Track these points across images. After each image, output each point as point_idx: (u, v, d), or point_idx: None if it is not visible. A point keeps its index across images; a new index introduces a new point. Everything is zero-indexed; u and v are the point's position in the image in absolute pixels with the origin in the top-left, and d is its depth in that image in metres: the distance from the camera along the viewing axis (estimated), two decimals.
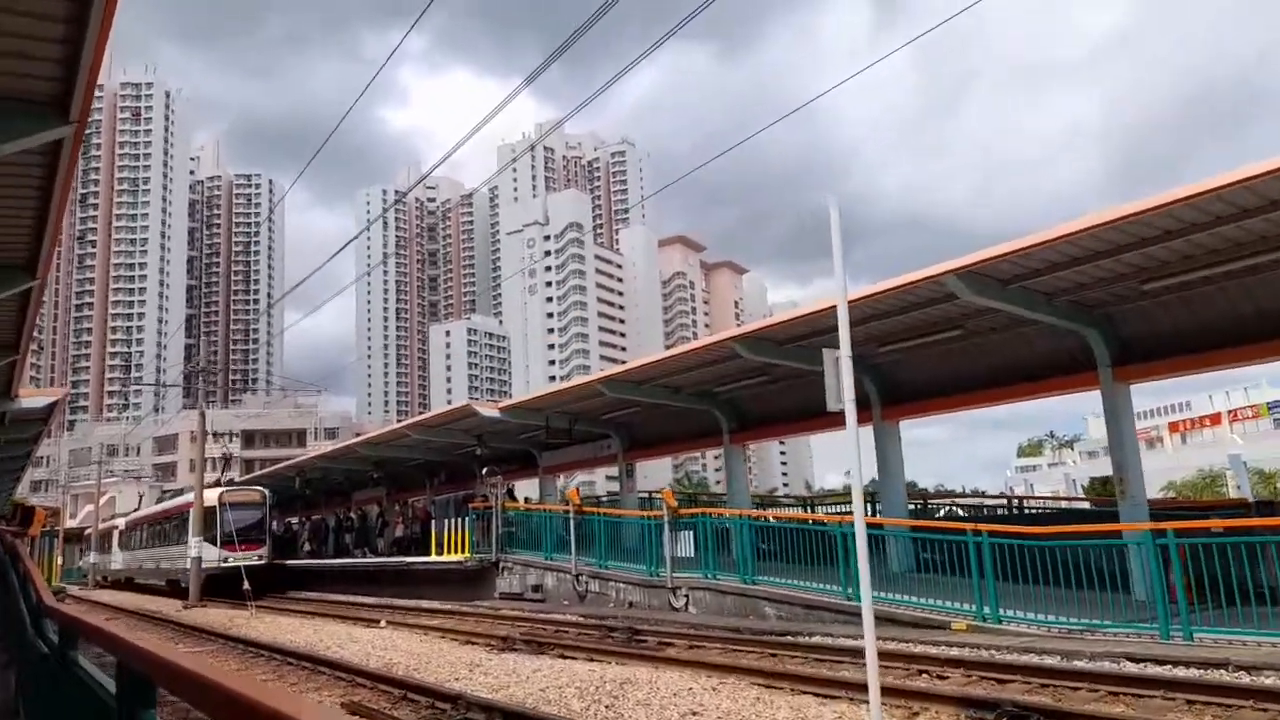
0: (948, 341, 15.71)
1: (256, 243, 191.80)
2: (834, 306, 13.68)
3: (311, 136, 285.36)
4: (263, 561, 29.50)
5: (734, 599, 15.31)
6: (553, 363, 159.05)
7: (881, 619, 12.41)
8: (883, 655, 10.44)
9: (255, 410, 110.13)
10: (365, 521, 34.03)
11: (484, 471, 22.94)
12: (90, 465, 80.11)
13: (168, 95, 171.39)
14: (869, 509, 19.54)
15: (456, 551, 22.76)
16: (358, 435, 50.14)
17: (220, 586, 27.37)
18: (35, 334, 14.06)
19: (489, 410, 23.34)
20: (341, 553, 32.28)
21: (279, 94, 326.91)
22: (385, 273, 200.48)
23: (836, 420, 18.33)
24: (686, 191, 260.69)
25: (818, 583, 14.11)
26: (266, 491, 31.56)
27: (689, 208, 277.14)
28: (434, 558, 23.39)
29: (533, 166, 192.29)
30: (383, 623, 18.79)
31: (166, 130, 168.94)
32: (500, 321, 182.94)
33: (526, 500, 27.63)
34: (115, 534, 45.07)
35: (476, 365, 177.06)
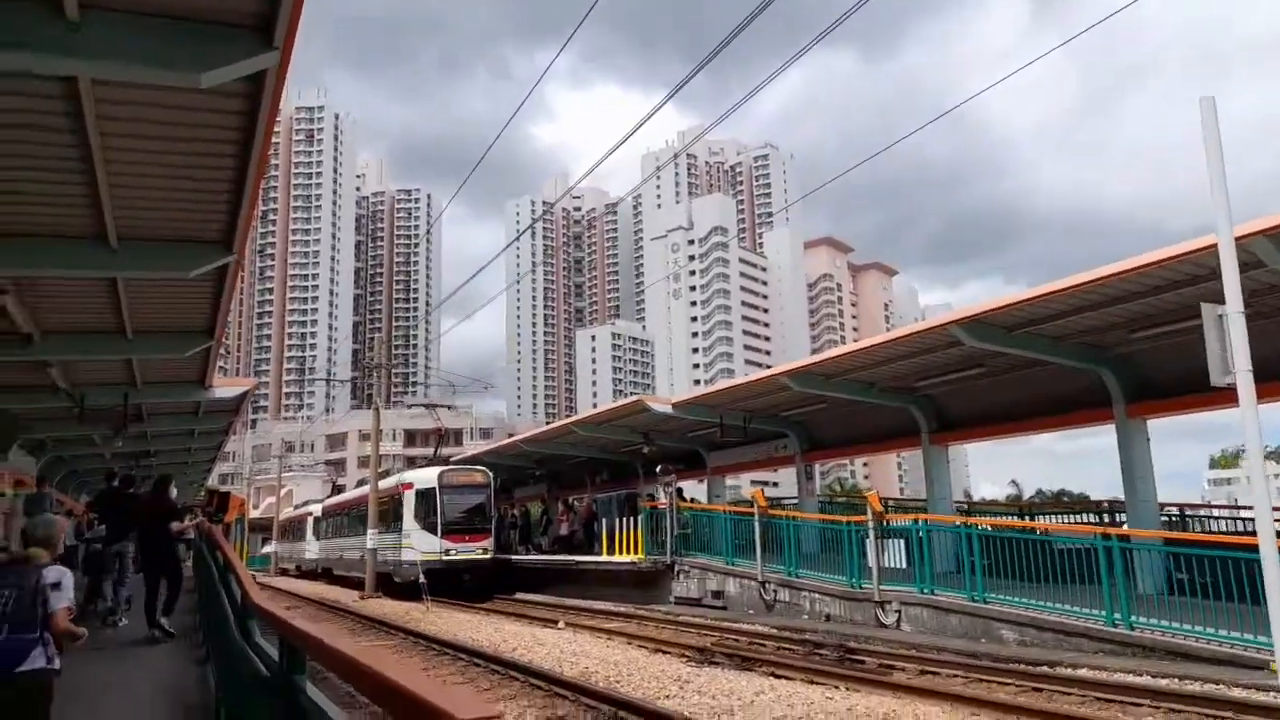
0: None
1: (416, 253, 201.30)
2: (1098, 279, 11.81)
3: (464, 152, 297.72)
4: (488, 556, 25.08)
5: (960, 618, 13.39)
6: (697, 366, 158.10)
7: (1170, 653, 10.29)
8: (1191, 699, 8.43)
9: (417, 410, 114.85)
10: (528, 519, 33.73)
11: (657, 469, 21.81)
12: (271, 459, 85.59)
13: (337, 118, 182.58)
14: (1109, 520, 17.08)
15: (629, 552, 21.72)
16: (510, 435, 50.60)
17: (440, 584, 23.46)
18: (223, 336, 14.02)
19: (661, 405, 22.23)
20: (504, 549, 31.77)
21: (434, 114, 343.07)
22: (534, 280, 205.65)
23: (1057, 420, 16.05)
24: (831, 194, 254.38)
25: (1069, 605, 12.02)
26: (490, 473, 26.79)
27: (834, 211, 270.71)
28: (605, 557, 22.44)
29: (676, 173, 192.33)
30: (561, 623, 17.94)
31: (336, 150, 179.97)
32: (644, 326, 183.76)
33: (693, 500, 26.36)
34: (309, 521, 42.71)
35: (620, 369, 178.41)
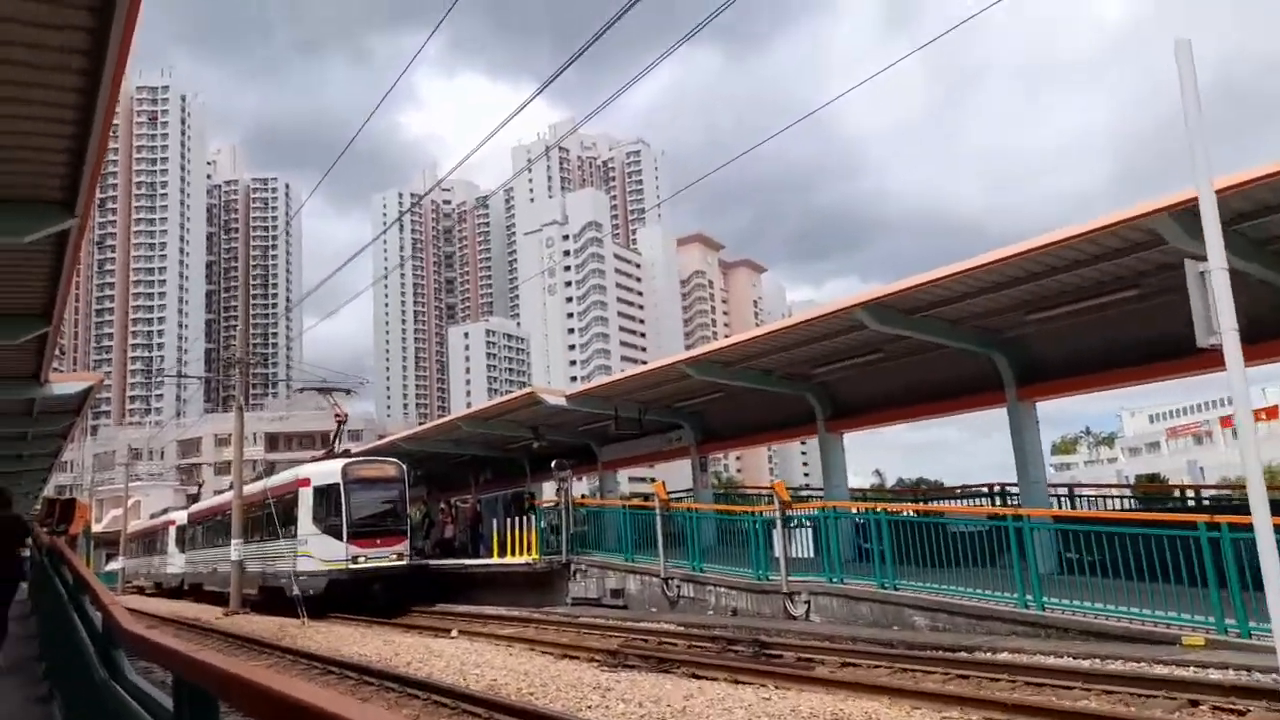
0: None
1: (274, 247, 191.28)
2: (997, 260, 11.89)
3: (324, 141, 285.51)
4: (403, 562, 21.69)
5: (870, 606, 13.28)
6: (574, 363, 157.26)
7: (1083, 632, 10.39)
8: (1119, 679, 8.42)
9: (278, 413, 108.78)
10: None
11: (552, 464, 20.98)
12: (116, 467, 78.97)
13: (184, 100, 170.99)
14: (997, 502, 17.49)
15: (521, 553, 20.80)
16: (381, 437, 48.06)
17: (346, 597, 20.97)
18: (61, 322, 12.31)
19: (555, 398, 21.40)
20: (420, 553, 29.04)
21: (291, 100, 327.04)
22: (402, 276, 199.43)
23: (952, 404, 16.30)
24: (700, 192, 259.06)
25: (983, 589, 12.06)
26: (403, 465, 23.27)
27: (703, 208, 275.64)
28: (496, 560, 21.40)
29: (548, 167, 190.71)
30: (454, 632, 16.88)
31: (183, 135, 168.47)
32: (518, 323, 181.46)
33: (584, 496, 25.61)
34: (171, 530, 37.98)
35: (496, 366, 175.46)
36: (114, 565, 50.72)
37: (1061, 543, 13.67)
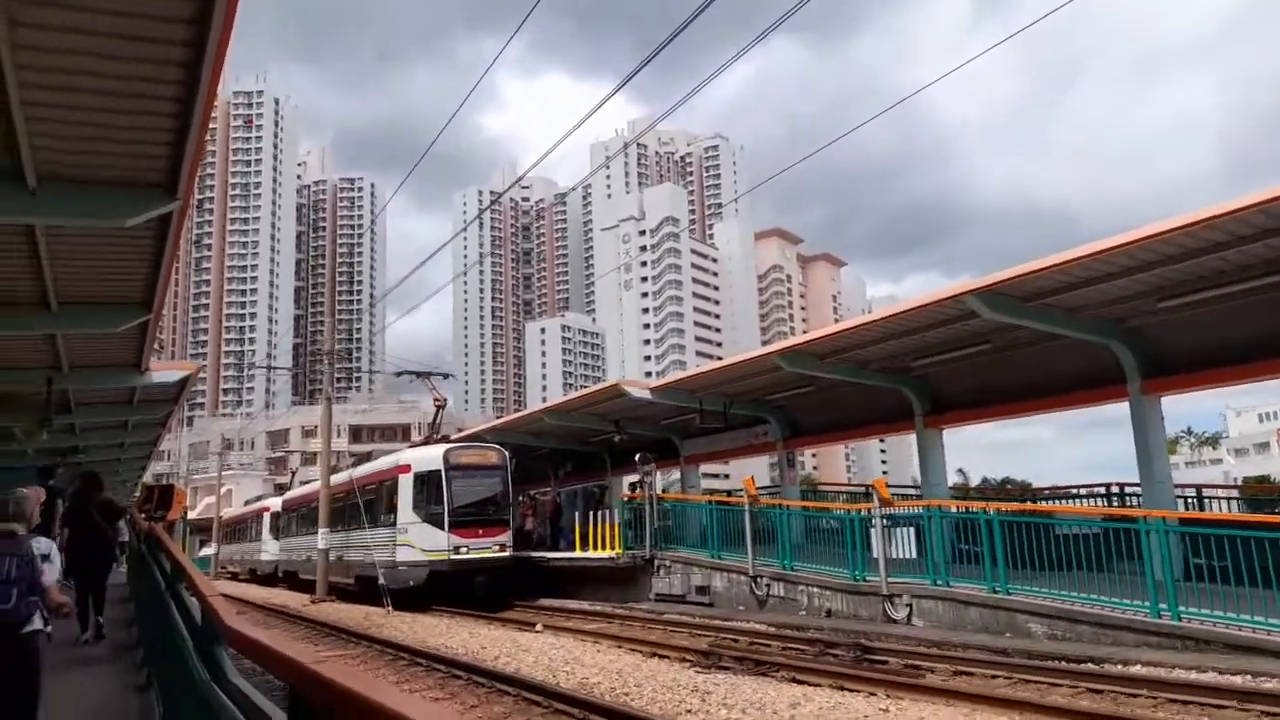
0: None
1: (360, 244, 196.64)
2: (1123, 244, 10.98)
3: (408, 142, 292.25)
4: (507, 554, 20.82)
5: (980, 611, 12.47)
6: (648, 358, 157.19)
7: (1228, 646, 9.44)
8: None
9: (362, 405, 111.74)
10: None
11: (636, 457, 20.61)
12: (209, 457, 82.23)
13: (277, 103, 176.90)
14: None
15: (605, 547, 20.48)
16: (460, 430, 48.36)
17: (448, 589, 20.06)
18: (162, 309, 12.45)
19: (639, 390, 21.02)
20: (525, 544, 28.32)
21: (378, 104, 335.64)
22: (481, 272, 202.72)
23: (1064, 399, 15.24)
24: (779, 186, 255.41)
25: (1105, 595, 11.15)
26: (506, 452, 22.13)
27: (782, 202, 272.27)
28: (579, 554, 21.12)
29: (626, 163, 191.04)
30: (539, 626, 16.64)
31: (276, 137, 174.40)
32: (594, 319, 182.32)
33: (664, 490, 25.16)
34: (265, 518, 37.48)
35: (571, 362, 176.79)
36: (207, 551, 52.51)
37: (1189, 547, 12.61)
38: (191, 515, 64.86)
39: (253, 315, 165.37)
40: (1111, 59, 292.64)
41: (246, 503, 47.43)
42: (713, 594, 18.03)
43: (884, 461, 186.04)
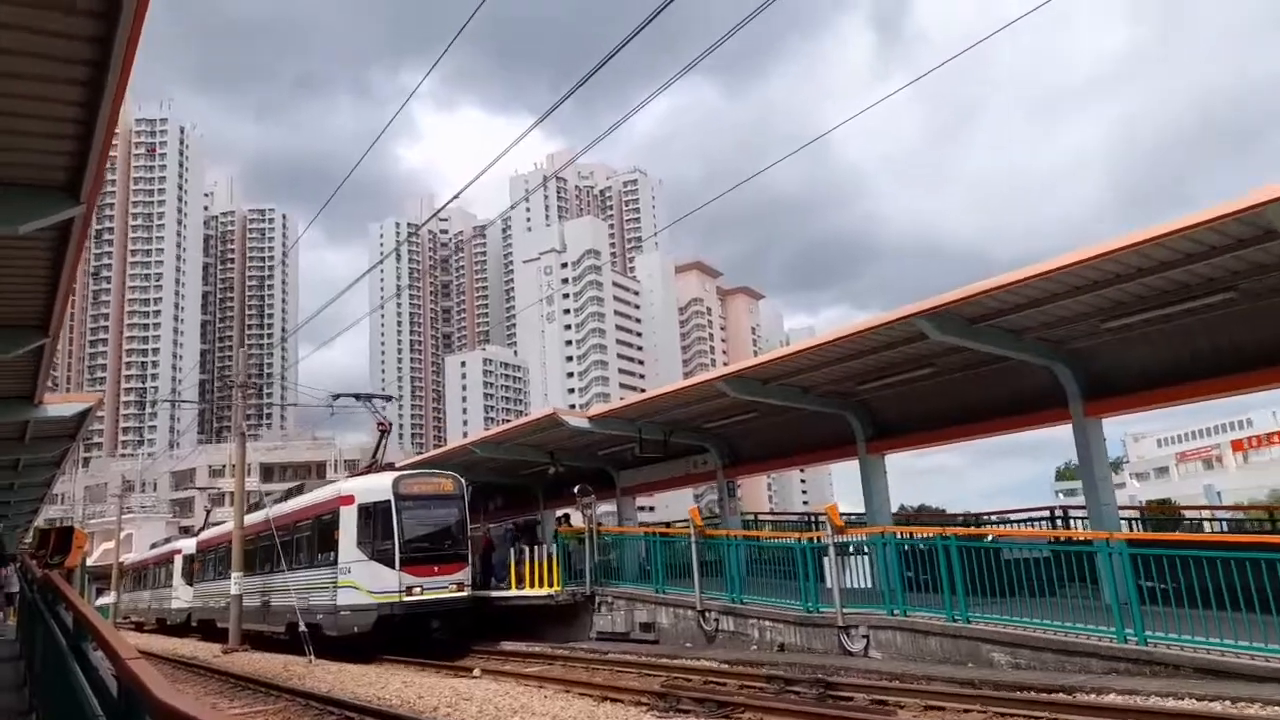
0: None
1: (270, 277, 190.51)
2: (1068, 264, 10.93)
3: (320, 173, 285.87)
4: (465, 593, 18.83)
5: (940, 641, 12.17)
6: (572, 390, 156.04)
7: (1200, 670, 9.30)
8: None
9: (274, 443, 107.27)
10: None
11: (575, 489, 19.87)
12: (108, 500, 77.38)
13: (182, 131, 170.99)
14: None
15: (543, 585, 19.61)
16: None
17: (397, 635, 18.22)
18: (60, 333, 11.33)
19: (576, 419, 20.37)
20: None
21: (288, 133, 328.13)
22: (399, 305, 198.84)
23: (1005, 423, 15.28)
24: (697, 219, 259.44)
25: (1068, 620, 10.98)
26: (462, 480, 20.33)
27: (701, 236, 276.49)
28: (515, 591, 20.14)
29: (545, 196, 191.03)
30: (476, 671, 15.66)
31: (181, 166, 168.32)
32: (515, 351, 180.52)
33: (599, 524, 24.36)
34: (176, 561, 34.88)
35: (493, 395, 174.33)
36: (105, 599, 48.97)
37: (1141, 570, 12.63)
38: (89, 561, 60.63)
39: (155, 350, 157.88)
40: (1008, 99, 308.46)
41: (153, 545, 44.29)
42: (658, 631, 17.37)
43: (804, 490, 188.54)
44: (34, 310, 10.00)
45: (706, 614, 16.22)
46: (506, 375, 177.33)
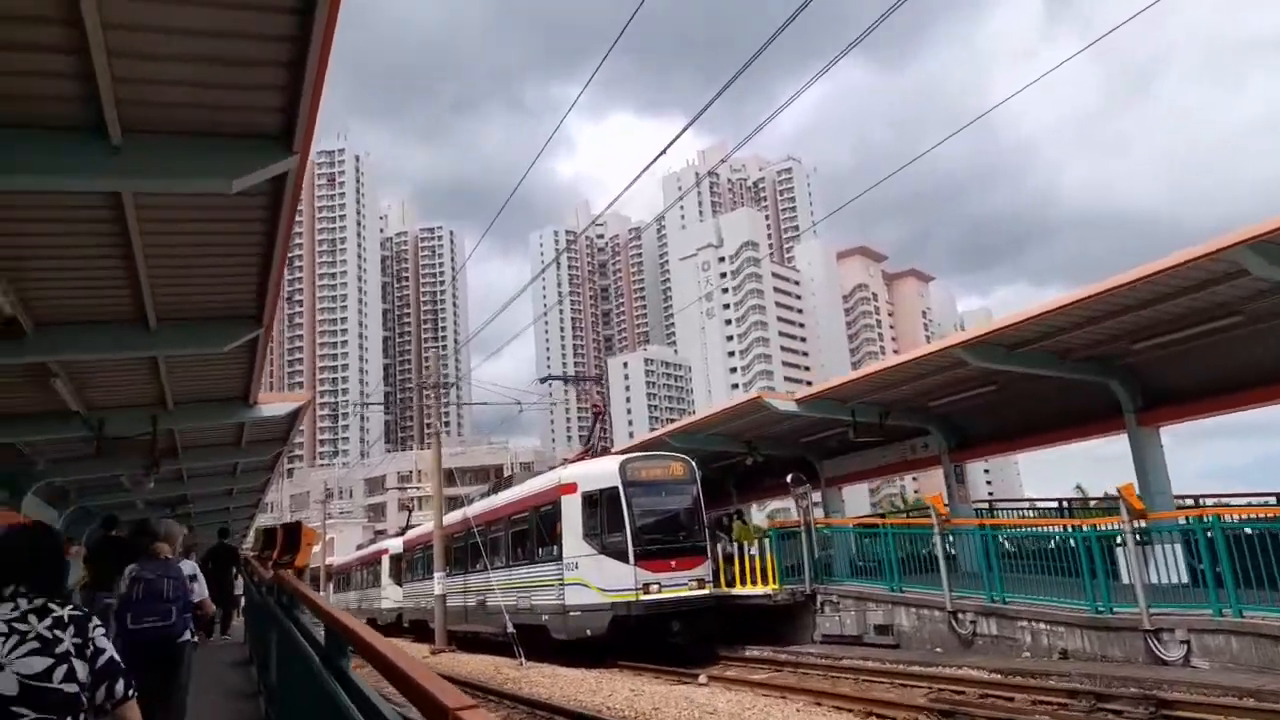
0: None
1: (443, 291, 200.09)
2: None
3: (481, 189, 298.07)
4: (706, 591, 16.93)
5: None
6: (735, 386, 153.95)
7: None
8: None
9: (454, 449, 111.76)
10: None
11: (789, 478, 18.23)
12: (311, 506, 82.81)
13: (357, 159, 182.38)
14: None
15: (758, 582, 18.07)
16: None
17: (633, 638, 16.29)
18: (272, 326, 10.88)
19: (783, 403, 18.71)
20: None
21: (452, 154, 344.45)
22: (561, 311, 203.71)
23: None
24: (855, 204, 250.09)
25: None
26: (693, 463, 18.35)
27: (859, 222, 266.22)
28: (734, 590, 18.59)
29: (699, 193, 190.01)
30: (703, 678, 14.33)
31: (358, 193, 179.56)
32: (675, 350, 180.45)
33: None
34: (384, 561, 34.41)
35: (655, 395, 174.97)
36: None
37: None
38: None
39: (345, 366, 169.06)
40: (1190, 58, 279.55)
41: (359, 546, 45.68)
42: (898, 634, 15.42)
43: (988, 481, 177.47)
44: (246, 297, 9.44)
45: (959, 615, 14.14)
46: (668, 374, 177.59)
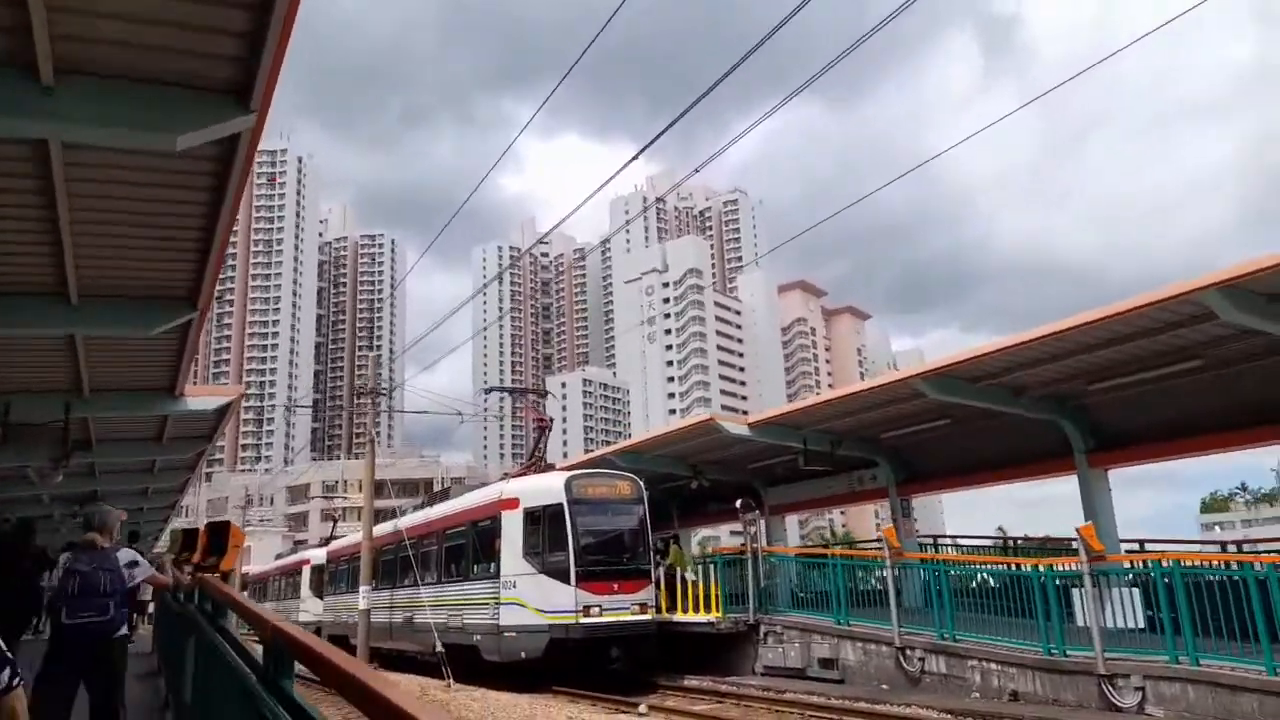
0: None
1: (380, 300, 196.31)
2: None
3: (426, 199, 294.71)
4: (649, 615, 16.30)
5: (1260, 700, 9.53)
6: (673, 411, 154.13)
7: None
8: None
9: (384, 460, 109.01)
10: None
11: (738, 503, 17.81)
12: (229, 512, 79.52)
13: (300, 161, 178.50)
14: None
15: (700, 609, 17.56)
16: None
17: (571, 662, 15.60)
18: (208, 309, 10.05)
19: (736, 426, 18.36)
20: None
21: (398, 163, 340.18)
22: (500, 328, 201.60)
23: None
24: (797, 239, 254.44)
25: None
26: (640, 482, 17.67)
27: (801, 256, 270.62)
28: (675, 616, 17.99)
29: (645, 219, 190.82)
30: (643, 707, 13.72)
31: (299, 195, 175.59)
32: (614, 373, 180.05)
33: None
34: (305, 572, 32.94)
35: (592, 416, 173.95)
36: None
37: None
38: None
39: (273, 370, 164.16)
40: (1128, 117, 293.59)
41: (279, 556, 43.76)
42: (842, 668, 15.06)
43: (915, 519, 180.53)
44: (182, 276, 8.64)
45: (907, 651, 13.84)
46: (606, 396, 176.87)
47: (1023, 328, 12.68)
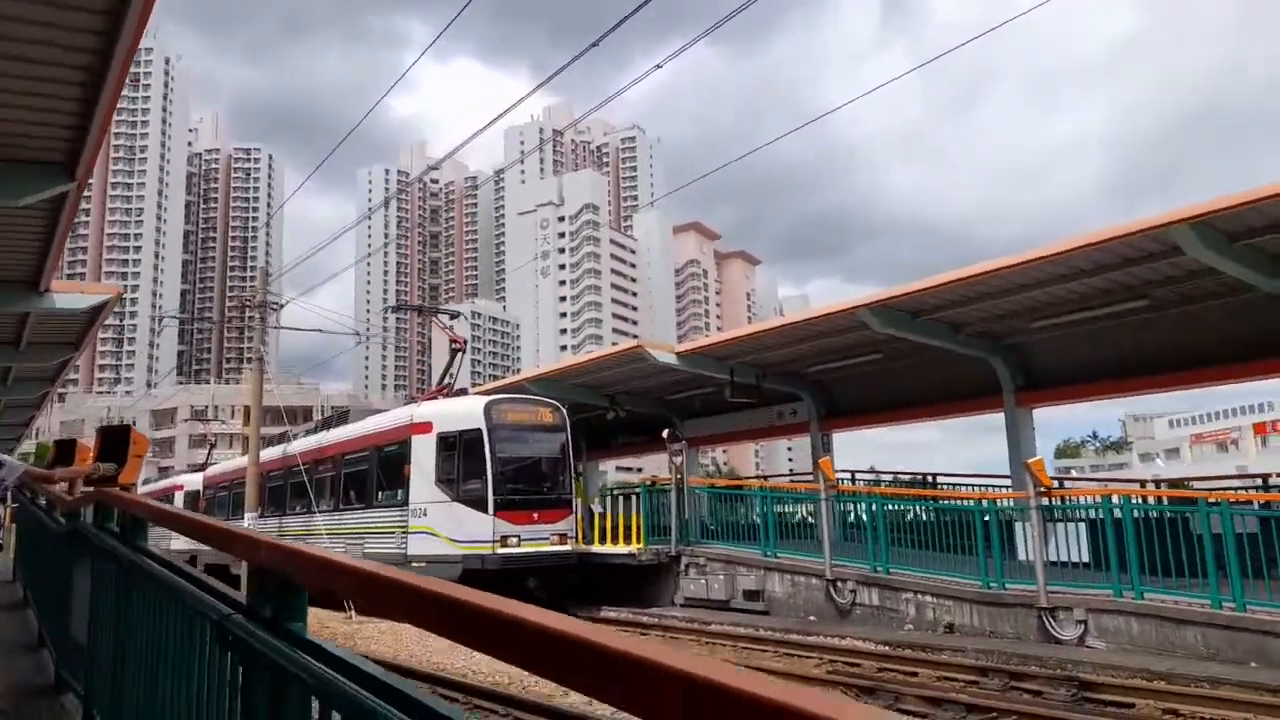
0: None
1: (255, 218, 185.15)
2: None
3: (308, 113, 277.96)
4: (568, 546, 15.87)
5: (1203, 632, 9.64)
6: (564, 347, 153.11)
7: None
8: None
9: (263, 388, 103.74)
10: None
11: (664, 434, 17.20)
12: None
13: (167, 62, 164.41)
14: None
15: (623, 542, 16.98)
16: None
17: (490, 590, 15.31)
18: (86, 181, 8.41)
19: (664, 354, 17.66)
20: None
21: (278, 75, 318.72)
22: (386, 255, 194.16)
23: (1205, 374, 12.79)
24: (692, 181, 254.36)
25: None
26: (563, 409, 17.07)
27: (693, 198, 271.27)
28: (598, 548, 17.28)
29: (541, 151, 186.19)
30: None
31: (165, 99, 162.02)
32: (504, 305, 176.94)
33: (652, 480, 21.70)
34: (177, 498, 31.39)
35: (480, 349, 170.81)
36: None
37: None
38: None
39: (135, 287, 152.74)
40: (1013, 79, 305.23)
41: (145, 481, 40.98)
42: (769, 600, 14.82)
43: (790, 458, 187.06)
44: (59, 134, 7.04)
45: (838, 584, 13.66)
46: (495, 329, 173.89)
47: (903, 280, 13.23)
